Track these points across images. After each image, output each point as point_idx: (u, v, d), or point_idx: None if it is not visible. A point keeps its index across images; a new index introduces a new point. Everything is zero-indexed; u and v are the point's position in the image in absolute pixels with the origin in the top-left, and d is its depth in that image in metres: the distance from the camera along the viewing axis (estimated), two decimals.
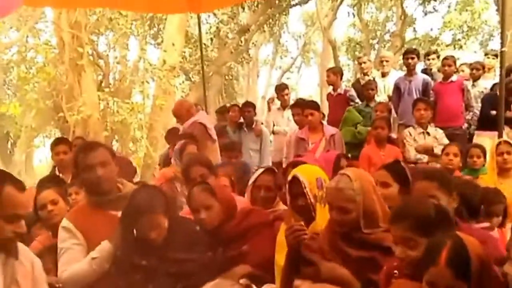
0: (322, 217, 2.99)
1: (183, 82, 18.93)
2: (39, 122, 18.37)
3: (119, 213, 3.03)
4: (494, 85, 7.24)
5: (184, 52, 16.17)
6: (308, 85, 33.20)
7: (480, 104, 7.22)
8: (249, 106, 8.29)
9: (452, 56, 7.88)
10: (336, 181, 2.81)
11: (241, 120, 8.15)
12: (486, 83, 7.92)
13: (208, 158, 4.34)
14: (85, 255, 3.04)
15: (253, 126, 7.91)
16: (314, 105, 6.63)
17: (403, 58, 8.26)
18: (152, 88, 15.00)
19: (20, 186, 2.24)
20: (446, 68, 7.47)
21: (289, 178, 3.12)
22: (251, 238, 3.16)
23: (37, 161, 28.42)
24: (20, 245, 2.40)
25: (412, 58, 7.78)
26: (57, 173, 5.80)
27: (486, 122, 6.65)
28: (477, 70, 7.93)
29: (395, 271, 2.45)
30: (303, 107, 6.85)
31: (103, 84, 15.03)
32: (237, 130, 8.03)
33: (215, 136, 6.54)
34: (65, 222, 3.14)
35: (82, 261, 3.01)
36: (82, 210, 3.22)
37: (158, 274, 2.74)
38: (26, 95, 15.67)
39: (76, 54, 12.43)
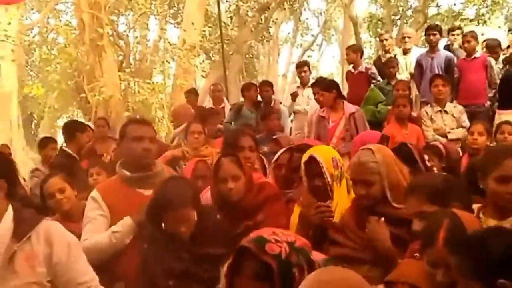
0: (339, 196, 3.01)
1: (203, 61, 18.89)
2: (61, 103, 18.56)
3: (145, 192, 3.11)
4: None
5: (204, 31, 16.10)
6: (330, 62, 32.82)
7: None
8: (267, 85, 8.23)
9: (472, 31, 7.75)
10: (358, 156, 2.85)
11: (259, 99, 8.10)
12: None
13: (253, 132, 4.40)
14: (108, 227, 3.13)
15: (272, 105, 7.85)
16: (325, 85, 6.54)
17: (425, 35, 8.12)
18: (173, 68, 15.02)
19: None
20: (466, 44, 7.35)
21: (305, 158, 3.11)
22: (265, 209, 3.17)
23: (60, 141, 28.83)
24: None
25: (434, 35, 7.63)
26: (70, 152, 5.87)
27: (507, 101, 6.55)
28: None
29: (416, 254, 2.43)
30: (318, 86, 6.81)
31: (123, 65, 15.09)
32: (255, 109, 7.98)
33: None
34: (94, 193, 3.25)
35: (103, 233, 3.09)
36: (111, 184, 3.31)
37: (183, 271, 2.74)
38: (48, 76, 15.87)
39: (97, 35, 12.47)
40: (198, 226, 2.82)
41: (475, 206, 2.58)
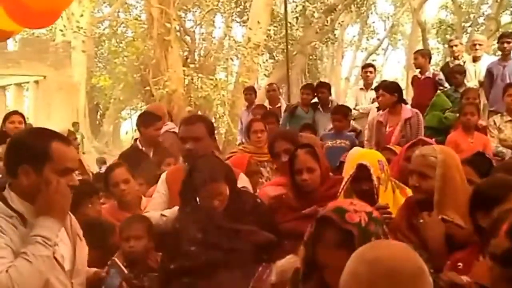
0: (385, 199, 3.01)
1: (266, 60, 18.97)
2: (126, 95, 19.11)
3: None
4: None
5: (269, 30, 16.17)
6: (394, 67, 32.30)
7: None
8: (323, 86, 8.16)
9: None
10: (421, 149, 2.92)
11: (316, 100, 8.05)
12: None
13: (292, 133, 4.39)
14: (166, 206, 3.36)
15: (329, 106, 7.79)
16: (387, 86, 6.41)
17: (498, 42, 7.82)
18: (236, 66, 15.14)
19: (67, 141, 2.35)
20: None
21: (354, 165, 3.12)
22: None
23: (123, 132, 29.63)
24: None
25: (508, 43, 7.34)
26: (139, 146, 5.96)
27: None
28: None
29: (459, 264, 2.43)
30: (381, 87, 6.69)
31: (188, 60, 15.35)
32: (311, 110, 7.91)
33: None
34: (163, 174, 3.60)
35: (156, 213, 3.30)
36: (177, 170, 3.56)
37: (215, 246, 2.79)
38: (115, 68, 16.33)
39: (164, 30, 12.74)
40: (233, 203, 2.88)
41: None
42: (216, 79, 14.57)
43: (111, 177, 3.86)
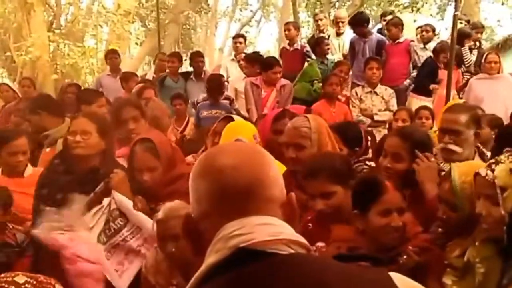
0: None
1: (138, 28, 18.46)
2: None
3: None
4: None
5: None
6: (267, 39, 32.89)
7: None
8: (198, 55, 8.17)
9: (396, 17, 8.04)
10: (293, 121, 2.95)
11: (188, 69, 8.03)
12: None
13: (139, 101, 4.31)
14: None
15: (202, 76, 7.79)
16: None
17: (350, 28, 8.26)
18: (106, 33, 14.60)
19: None
20: (387, 32, 7.69)
21: (231, 138, 3.15)
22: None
23: None
24: None
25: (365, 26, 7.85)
26: None
27: (422, 89, 6.83)
28: (427, 32, 7.96)
29: (309, 224, 2.55)
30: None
31: (54, 25, 14.51)
32: (182, 79, 7.86)
33: None
34: None
35: None
36: None
37: None
38: None
39: None
40: None
41: None
42: (84, 46, 13.94)
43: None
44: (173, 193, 2.70)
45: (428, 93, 6.90)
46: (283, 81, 6.60)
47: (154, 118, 4.16)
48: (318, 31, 8.75)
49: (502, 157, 2.11)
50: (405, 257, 2.18)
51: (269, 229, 1.06)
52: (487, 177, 2.04)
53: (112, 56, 8.35)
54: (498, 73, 6.63)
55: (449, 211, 2.29)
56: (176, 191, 2.71)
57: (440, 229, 2.37)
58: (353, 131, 3.54)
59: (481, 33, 8.62)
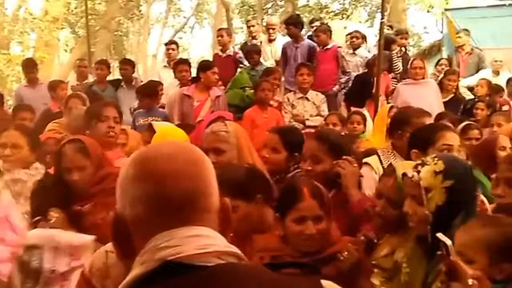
0: None
1: (67, 35, 18.00)
2: None
3: None
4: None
5: (69, 3, 15.30)
6: (201, 46, 32.82)
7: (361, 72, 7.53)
8: (126, 63, 8.07)
9: (324, 24, 8.24)
10: (211, 126, 3.00)
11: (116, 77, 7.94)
12: (366, 52, 8.21)
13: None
14: None
15: (133, 83, 7.69)
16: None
17: (285, 28, 8.37)
18: (33, 40, 14.14)
19: None
20: (316, 38, 7.88)
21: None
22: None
23: None
24: None
25: (296, 27, 7.92)
26: None
27: (356, 99, 6.99)
28: (357, 39, 8.15)
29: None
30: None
31: None
32: (111, 87, 7.74)
33: None
34: None
35: None
36: None
37: None
38: None
39: None
40: None
41: None
42: (10, 53, 13.44)
43: None
44: (100, 192, 2.69)
45: (361, 104, 7.03)
46: (218, 91, 6.51)
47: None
48: (250, 37, 8.80)
49: (428, 158, 2.17)
50: (346, 253, 2.21)
51: (198, 242, 1.03)
52: (413, 178, 2.10)
53: (30, 71, 7.96)
54: (423, 78, 6.92)
55: (389, 207, 2.33)
56: (102, 190, 2.70)
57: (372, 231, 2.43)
58: (295, 135, 3.39)
59: (406, 38, 8.93)
